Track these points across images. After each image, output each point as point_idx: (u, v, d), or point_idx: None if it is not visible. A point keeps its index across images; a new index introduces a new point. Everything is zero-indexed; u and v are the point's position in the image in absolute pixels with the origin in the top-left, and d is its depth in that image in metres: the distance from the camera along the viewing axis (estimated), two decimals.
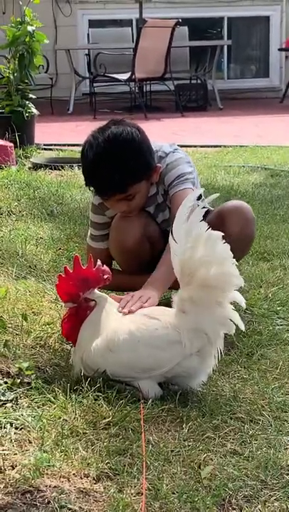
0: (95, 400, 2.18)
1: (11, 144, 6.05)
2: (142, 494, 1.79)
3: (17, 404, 2.19)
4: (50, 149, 7.14)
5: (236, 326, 2.26)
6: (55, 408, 2.14)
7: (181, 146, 3.02)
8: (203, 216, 2.25)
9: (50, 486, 1.80)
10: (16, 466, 1.88)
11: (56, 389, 2.24)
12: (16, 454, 1.93)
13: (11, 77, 6.52)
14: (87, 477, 1.86)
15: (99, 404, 2.16)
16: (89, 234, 3.02)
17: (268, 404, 2.28)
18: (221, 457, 1.98)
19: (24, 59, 6.46)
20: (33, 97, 6.70)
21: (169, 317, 2.31)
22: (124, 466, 1.90)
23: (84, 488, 1.81)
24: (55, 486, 1.80)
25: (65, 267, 2.33)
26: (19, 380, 2.31)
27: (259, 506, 1.79)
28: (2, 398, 2.22)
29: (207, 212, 2.86)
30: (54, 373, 2.40)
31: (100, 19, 12.32)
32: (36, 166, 6.08)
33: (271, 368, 2.55)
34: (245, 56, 13.07)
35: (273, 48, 12.62)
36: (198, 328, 2.26)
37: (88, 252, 2.95)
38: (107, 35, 11.74)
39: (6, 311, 2.80)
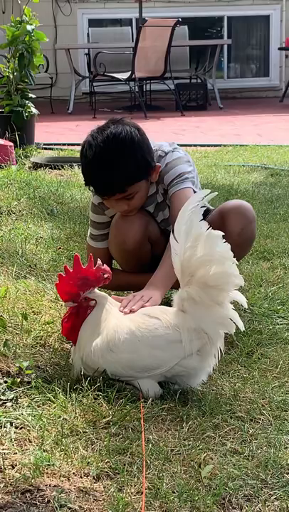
0: (95, 399, 2.19)
1: (11, 144, 6.04)
2: (142, 493, 1.78)
3: (17, 403, 2.19)
4: (50, 149, 7.14)
5: (236, 325, 2.26)
6: (55, 407, 2.14)
7: (181, 146, 3.02)
8: (204, 215, 2.25)
9: (50, 485, 1.80)
10: (15, 465, 1.88)
11: (56, 388, 2.24)
12: (15, 453, 1.93)
13: (11, 76, 6.52)
14: (87, 476, 1.86)
15: (99, 404, 2.17)
16: (89, 233, 3.01)
17: (268, 403, 2.28)
18: (221, 456, 1.98)
19: (24, 58, 6.45)
20: (33, 96, 6.69)
21: (169, 316, 2.31)
22: (124, 465, 1.90)
23: (84, 487, 1.81)
24: (55, 485, 1.80)
25: (65, 266, 2.33)
26: (19, 380, 2.32)
27: (259, 505, 1.79)
28: (2, 397, 2.22)
29: (207, 212, 2.86)
30: (54, 372, 2.40)
31: (100, 18, 12.34)
32: (36, 166, 6.08)
33: (271, 367, 2.55)
34: (245, 55, 13.08)
35: (273, 47, 12.64)
36: (198, 327, 2.26)
37: (88, 252, 2.95)
38: (107, 34, 11.76)
39: (6, 310, 2.80)
